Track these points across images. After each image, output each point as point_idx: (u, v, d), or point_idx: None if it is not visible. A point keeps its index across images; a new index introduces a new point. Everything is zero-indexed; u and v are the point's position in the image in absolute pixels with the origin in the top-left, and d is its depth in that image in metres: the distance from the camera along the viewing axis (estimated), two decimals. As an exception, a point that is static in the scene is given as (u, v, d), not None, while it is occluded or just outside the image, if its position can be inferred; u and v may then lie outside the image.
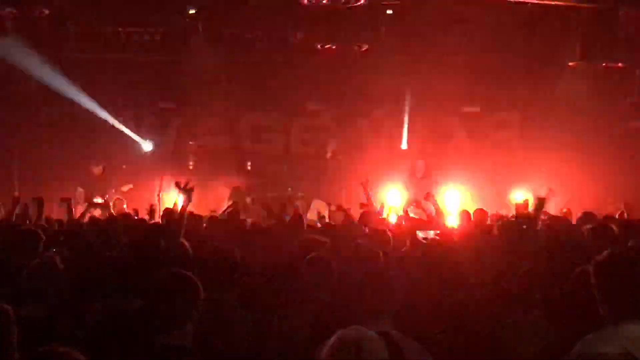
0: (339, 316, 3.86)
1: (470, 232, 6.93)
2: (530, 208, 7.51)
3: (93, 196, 12.53)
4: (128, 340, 3.74)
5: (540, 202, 7.22)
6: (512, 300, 4.54)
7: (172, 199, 13.16)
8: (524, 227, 6.74)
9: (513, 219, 7.84)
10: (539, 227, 6.85)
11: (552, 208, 10.76)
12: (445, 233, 7.27)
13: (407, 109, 14.69)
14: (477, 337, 4.27)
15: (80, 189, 12.93)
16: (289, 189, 14.02)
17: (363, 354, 2.90)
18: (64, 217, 9.20)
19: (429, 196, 9.94)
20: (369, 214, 8.84)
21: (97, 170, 13.40)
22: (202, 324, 3.71)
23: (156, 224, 7.95)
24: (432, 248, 5.79)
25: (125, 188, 13.37)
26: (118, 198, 12.43)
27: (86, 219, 9.17)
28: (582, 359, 3.08)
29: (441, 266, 5.02)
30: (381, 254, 5.51)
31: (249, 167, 14.39)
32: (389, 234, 6.94)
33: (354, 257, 5.54)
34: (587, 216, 8.37)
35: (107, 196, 12.83)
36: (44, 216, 8.60)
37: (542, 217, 8.18)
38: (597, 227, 6.52)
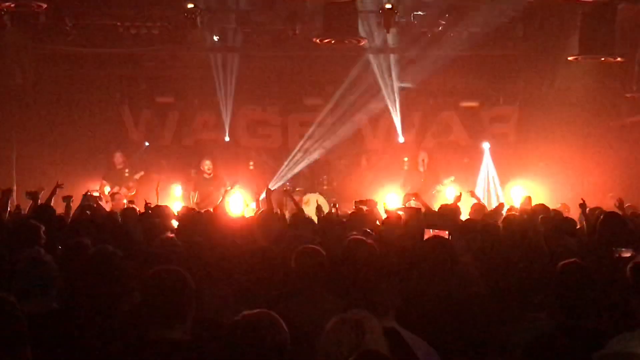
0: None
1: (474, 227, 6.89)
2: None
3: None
4: (127, 334, 3.74)
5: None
6: (515, 295, 4.52)
7: (171, 193, 13.31)
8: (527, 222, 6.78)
9: (517, 214, 7.87)
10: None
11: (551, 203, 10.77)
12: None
13: (405, 103, 14.67)
14: (480, 332, 4.26)
15: (104, 182, 13.45)
16: (287, 183, 14.03)
17: (364, 331, 3.04)
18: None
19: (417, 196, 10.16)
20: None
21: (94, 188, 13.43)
22: (200, 317, 3.70)
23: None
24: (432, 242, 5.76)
25: (137, 176, 13.68)
26: (117, 193, 12.45)
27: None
28: (616, 358, 3.03)
29: (443, 261, 5.03)
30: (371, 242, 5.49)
31: (251, 166, 14.47)
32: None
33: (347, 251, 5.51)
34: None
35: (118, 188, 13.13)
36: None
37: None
38: (609, 213, 6.52)
